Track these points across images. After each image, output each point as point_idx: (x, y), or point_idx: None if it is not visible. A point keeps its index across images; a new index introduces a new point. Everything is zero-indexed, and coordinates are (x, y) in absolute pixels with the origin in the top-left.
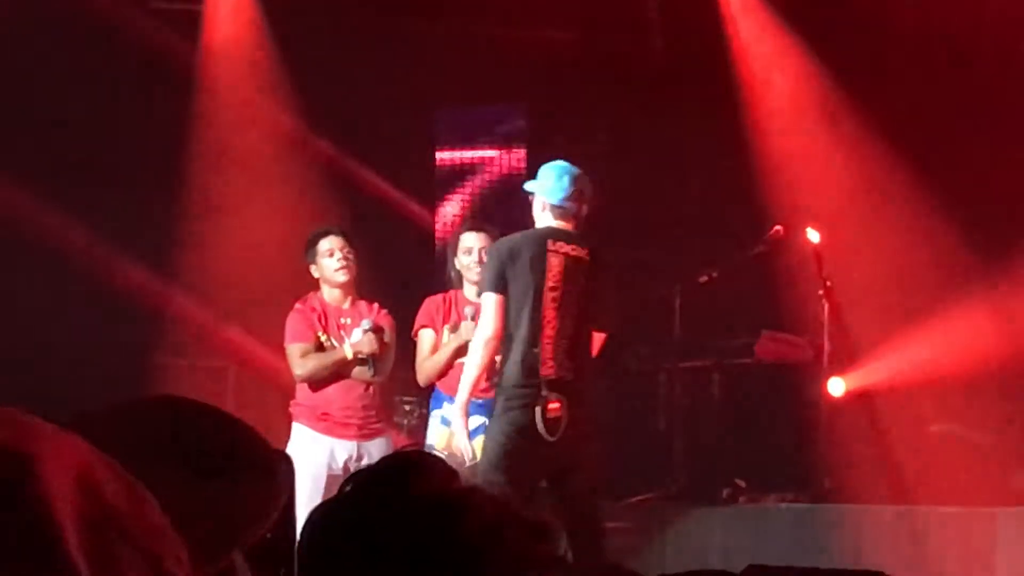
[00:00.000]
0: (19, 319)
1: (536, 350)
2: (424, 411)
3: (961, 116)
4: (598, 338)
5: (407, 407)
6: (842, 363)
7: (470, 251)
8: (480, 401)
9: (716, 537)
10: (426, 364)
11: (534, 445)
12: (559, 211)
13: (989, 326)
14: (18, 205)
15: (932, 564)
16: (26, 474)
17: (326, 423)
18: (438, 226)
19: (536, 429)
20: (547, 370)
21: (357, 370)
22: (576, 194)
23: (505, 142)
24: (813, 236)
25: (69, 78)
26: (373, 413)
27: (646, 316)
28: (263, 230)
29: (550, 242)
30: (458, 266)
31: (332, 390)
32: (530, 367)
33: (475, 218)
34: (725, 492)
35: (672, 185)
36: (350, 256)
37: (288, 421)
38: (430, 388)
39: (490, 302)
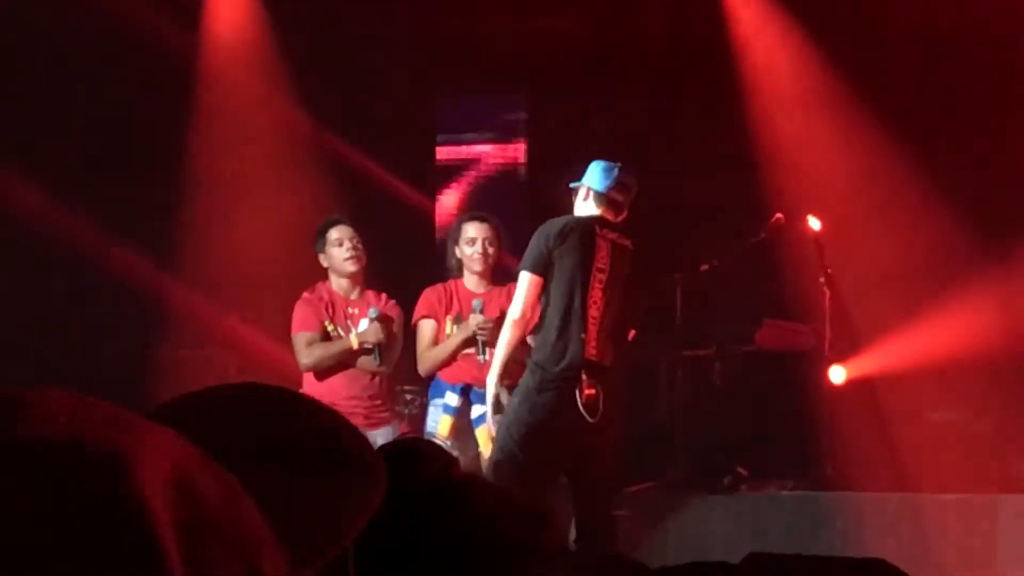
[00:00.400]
0: (20, 309)
1: (582, 331)
2: (425, 400)
3: (963, 103)
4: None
5: (408, 396)
6: (843, 351)
7: (473, 241)
8: (481, 390)
9: (717, 525)
10: (428, 355)
11: (567, 429)
12: (602, 199)
13: (990, 314)
14: (18, 196)
15: (933, 551)
16: (121, 473)
17: None
18: (438, 217)
19: (572, 411)
20: (589, 351)
21: (363, 360)
22: (621, 187)
23: (505, 131)
24: (814, 224)
25: (70, 67)
26: (379, 402)
27: (647, 304)
28: (265, 219)
29: (598, 228)
30: (459, 255)
31: (338, 379)
32: (573, 347)
33: (477, 208)
34: (726, 480)
35: (673, 173)
36: (359, 246)
37: None
38: (430, 377)
39: (525, 281)
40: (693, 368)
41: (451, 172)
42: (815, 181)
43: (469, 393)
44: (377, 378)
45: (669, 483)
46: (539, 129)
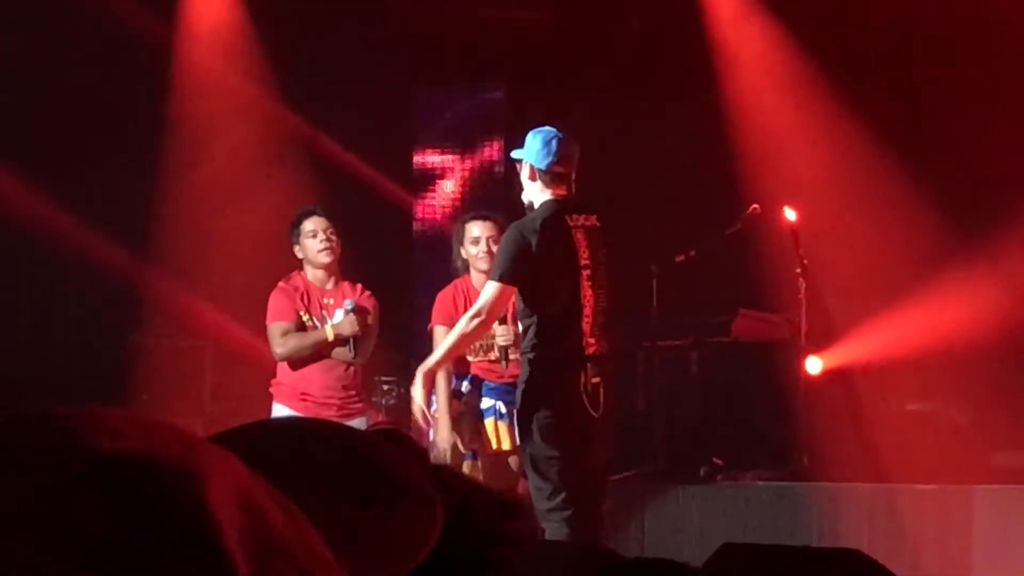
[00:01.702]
0: None
1: (577, 330)
2: (403, 391)
3: (940, 93)
4: None
5: (385, 387)
6: (819, 341)
7: (477, 241)
8: (492, 384)
9: (693, 515)
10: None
11: (578, 418)
12: (549, 177)
13: (967, 304)
14: None
15: (909, 542)
16: (195, 490)
17: (305, 403)
18: (418, 211)
19: (578, 403)
20: (589, 348)
21: (338, 351)
22: (562, 159)
23: (483, 124)
24: (790, 215)
25: (47, 57)
26: (353, 393)
27: (623, 295)
28: (242, 208)
29: (568, 218)
30: (464, 255)
31: (312, 370)
32: (572, 347)
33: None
34: (702, 470)
35: (649, 165)
36: (333, 237)
37: (267, 401)
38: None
39: (494, 289)
40: (669, 358)
41: (429, 167)
42: (791, 172)
43: (480, 385)
44: (351, 369)
45: (645, 473)
46: (517, 121)
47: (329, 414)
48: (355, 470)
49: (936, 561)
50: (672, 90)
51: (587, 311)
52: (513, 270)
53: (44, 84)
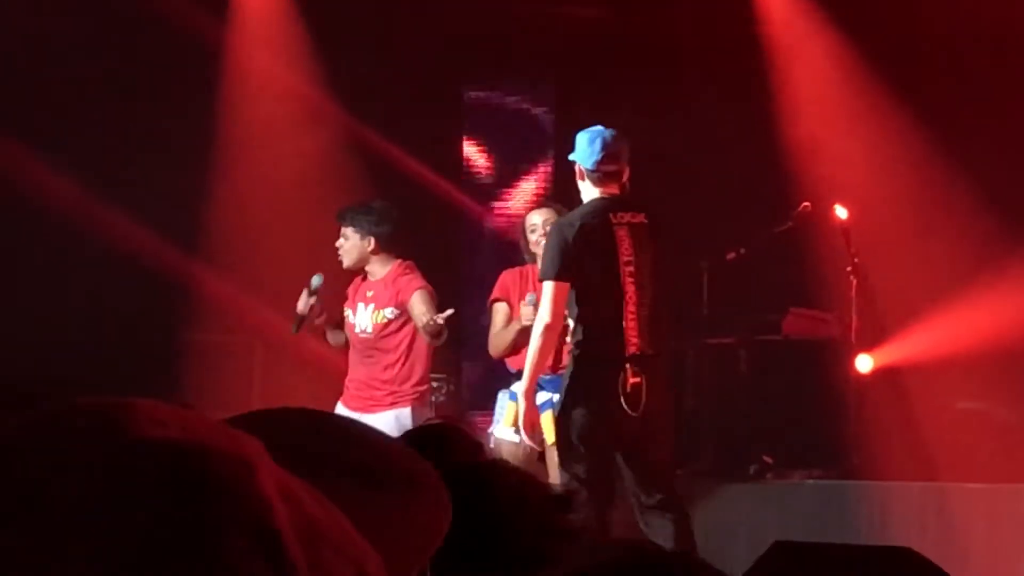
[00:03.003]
0: (49, 297)
1: (619, 328)
2: (452, 388)
3: (991, 90)
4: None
5: (435, 383)
6: (870, 340)
7: (534, 229)
8: (547, 377)
9: (743, 513)
10: (496, 338)
11: (616, 419)
12: (596, 176)
13: (1018, 302)
14: (44, 180)
15: (959, 541)
16: (249, 477)
17: (348, 392)
18: (469, 213)
19: (618, 404)
20: (631, 347)
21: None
22: (609, 157)
23: (533, 123)
24: (841, 212)
25: (98, 51)
26: (380, 385)
27: (673, 292)
28: (292, 206)
29: (612, 215)
30: (530, 246)
31: (352, 361)
32: (613, 344)
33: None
34: (752, 468)
35: (700, 162)
36: (341, 243)
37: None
38: (501, 361)
39: (549, 289)
40: (719, 356)
41: (480, 168)
42: (843, 170)
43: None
44: (389, 359)
45: (695, 471)
46: (566, 114)
47: (353, 405)
48: (365, 458)
49: (986, 559)
50: (724, 87)
51: (631, 308)
52: (559, 266)
53: (92, 82)
